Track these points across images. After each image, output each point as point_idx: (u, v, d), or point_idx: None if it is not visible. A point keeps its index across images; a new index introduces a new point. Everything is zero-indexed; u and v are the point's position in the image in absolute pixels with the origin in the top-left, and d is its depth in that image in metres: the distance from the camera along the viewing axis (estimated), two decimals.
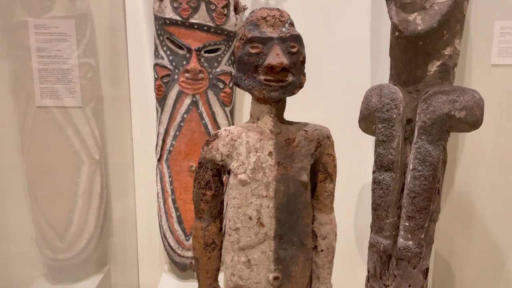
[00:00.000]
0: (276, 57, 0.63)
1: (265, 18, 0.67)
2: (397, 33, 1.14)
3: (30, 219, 1.44)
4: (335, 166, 0.74)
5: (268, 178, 0.67)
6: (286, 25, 0.67)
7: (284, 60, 0.63)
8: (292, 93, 0.69)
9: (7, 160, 1.43)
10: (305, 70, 0.74)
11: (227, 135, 0.68)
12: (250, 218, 0.68)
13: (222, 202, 0.73)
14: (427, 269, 1.25)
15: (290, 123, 0.73)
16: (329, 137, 0.73)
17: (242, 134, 0.68)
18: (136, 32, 1.45)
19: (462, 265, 1.69)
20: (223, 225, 0.74)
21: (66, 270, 1.45)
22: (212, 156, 0.69)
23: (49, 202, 1.38)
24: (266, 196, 0.67)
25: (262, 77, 0.65)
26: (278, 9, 0.70)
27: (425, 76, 1.12)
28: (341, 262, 1.63)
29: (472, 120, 1.07)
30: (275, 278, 0.68)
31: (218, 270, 0.75)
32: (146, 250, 1.60)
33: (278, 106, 0.70)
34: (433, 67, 1.12)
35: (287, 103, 0.77)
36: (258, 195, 0.67)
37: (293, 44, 0.66)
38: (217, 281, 0.75)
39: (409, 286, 1.22)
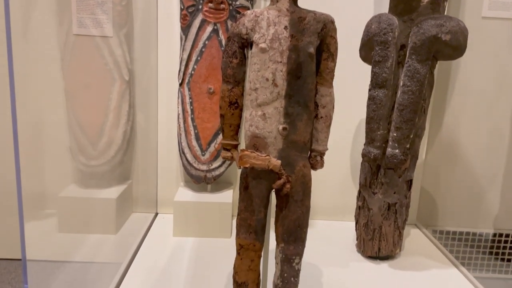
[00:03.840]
0: None
1: None
2: None
3: (66, 130, 1.63)
4: (336, 48, 0.92)
5: (283, 47, 0.85)
6: None
7: None
8: None
9: (48, 76, 1.62)
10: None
11: (252, 13, 0.87)
12: (267, 79, 0.86)
13: (244, 72, 0.92)
14: (411, 180, 1.45)
15: (302, 8, 0.91)
16: (333, 22, 0.91)
17: (264, 12, 0.86)
18: None
19: (446, 199, 1.88)
20: (244, 90, 0.93)
21: (96, 176, 1.65)
22: (239, 30, 0.88)
23: (84, 113, 1.57)
24: (281, 62, 0.86)
25: None
26: None
27: (419, 6, 1.30)
28: (336, 192, 1.83)
29: (456, 43, 1.25)
30: (284, 128, 0.87)
31: (238, 126, 0.94)
32: (165, 167, 1.79)
33: None
34: None
35: None
36: (274, 60, 0.86)
37: None
38: (237, 135, 0.95)
39: (394, 193, 1.41)
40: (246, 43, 0.89)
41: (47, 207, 1.71)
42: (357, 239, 1.54)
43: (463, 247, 1.85)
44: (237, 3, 1.54)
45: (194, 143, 1.63)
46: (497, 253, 1.81)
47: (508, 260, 1.78)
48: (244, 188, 0.91)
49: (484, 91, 1.79)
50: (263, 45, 0.85)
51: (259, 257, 0.94)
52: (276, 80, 0.86)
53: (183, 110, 1.63)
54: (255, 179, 0.90)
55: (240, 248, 0.93)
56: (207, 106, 1.60)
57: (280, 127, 0.87)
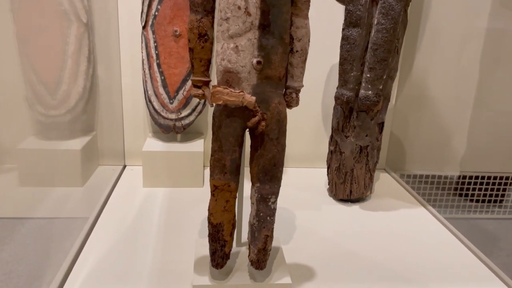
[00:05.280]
0: None
1: None
2: None
3: (20, 78, 1.50)
4: None
5: None
6: None
7: None
8: None
9: None
10: None
11: None
12: (239, 8, 0.80)
13: (214, 0, 0.85)
14: (383, 123, 1.45)
15: None
16: None
17: None
18: None
19: (414, 143, 1.91)
20: (214, 20, 0.87)
21: (56, 127, 1.55)
22: None
23: (40, 59, 1.45)
24: None
25: None
26: None
27: None
28: (309, 138, 1.82)
29: None
30: (258, 62, 0.82)
31: (209, 61, 0.88)
32: (131, 117, 1.71)
33: None
34: None
35: None
36: None
37: None
38: (208, 71, 0.89)
39: (366, 135, 1.41)
40: None
41: (5, 161, 1.61)
42: (328, 184, 1.55)
43: (429, 190, 1.90)
44: None
45: (161, 90, 1.55)
46: (460, 194, 1.88)
47: (471, 200, 1.85)
48: (217, 127, 0.86)
49: (454, 34, 1.78)
50: None
51: (234, 197, 0.91)
52: (249, 8, 0.80)
53: (148, 55, 1.53)
54: (228, 117, 0.85)
55: (214, 189, 0.89)
56: (173, 51, 1.52)
57: (254, 61, 0.82)
